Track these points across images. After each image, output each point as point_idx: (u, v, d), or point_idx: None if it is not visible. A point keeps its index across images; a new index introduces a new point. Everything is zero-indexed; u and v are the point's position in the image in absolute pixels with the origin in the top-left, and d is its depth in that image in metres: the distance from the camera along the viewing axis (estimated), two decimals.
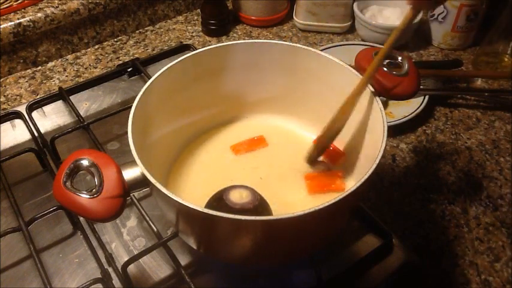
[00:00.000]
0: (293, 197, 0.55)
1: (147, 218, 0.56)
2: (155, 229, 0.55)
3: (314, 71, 0.56)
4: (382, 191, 0.67)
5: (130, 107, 0.48)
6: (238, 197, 0.46)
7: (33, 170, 0.66)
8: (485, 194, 0.67)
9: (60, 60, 0.90)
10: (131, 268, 0.53)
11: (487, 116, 0.79)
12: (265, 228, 0.41)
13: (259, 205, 0.46)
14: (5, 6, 0.82)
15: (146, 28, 0.99)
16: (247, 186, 0.48)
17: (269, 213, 0.48)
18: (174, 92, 0.55)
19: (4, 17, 0.82)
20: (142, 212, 0.57)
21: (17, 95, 0.82)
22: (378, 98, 0.49)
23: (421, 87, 0.79)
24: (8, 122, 0.73)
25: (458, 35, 0.90)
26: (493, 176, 0.69)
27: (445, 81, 0.84)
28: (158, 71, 0.52)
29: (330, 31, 0.97)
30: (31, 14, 0.83)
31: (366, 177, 0.41)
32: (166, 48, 0.91)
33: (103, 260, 0.54)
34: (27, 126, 0.70)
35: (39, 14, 0.83)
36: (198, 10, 1.02)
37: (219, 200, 0.46)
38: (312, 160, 0.58)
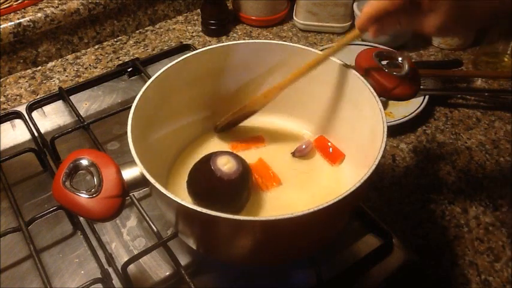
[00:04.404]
0: (292, 196, 0.55)
1: (147, 218, 0.56)
2: (155, 229, 0.55)
3: (314, 72, 0.56)
4: (382, 191, 0.67)
5: (130, 107, 0.48)
6: (224, 163, 0.48)
7: (33, 170, 0.66)
8: (485, 194, 0.67)
9: (60, 60, 0.90)
10: (131, 268, 0.53)
11: (487, 116, 0.79)
12: (265, 228, 0.41)
13: (241, 176, 0.49)
14: (5, 6, 0.82)
15: (146, 28, 0.99)
16: (234, 154, 0.50)
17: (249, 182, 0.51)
18: (174, 92, 0.55)
19: (4, 17, 0.82)
20: (142, 212, 0.57)
21: (17, 95, 0.82)
22: (377, 98, 0.49)
23: (421, 87, 0.79)
24: (8, 122, 0.73)
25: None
26: (493, 176, 0.69)
27: (445, 81, 0.84)
28: (158, 71, 0.52)
29: (330, 31, 0.97)
30: (31, 14, 0.83)
31: (366, 177, 0.41)
32: (166, 48, 0.91)
33: (103, 260, 0.54)
34: (27, 126, 0.70)
35: (39, 14, 0.83)
36: (198, 10, 1.02)
37: (205, 163, 0.49)
38: (218, 128, 0.61)
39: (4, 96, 0.82)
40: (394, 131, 0.75)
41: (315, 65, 0.53)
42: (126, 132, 0.45)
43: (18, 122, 0.73)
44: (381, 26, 0.50)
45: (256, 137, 0.61)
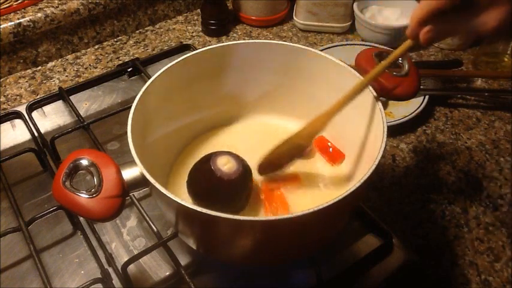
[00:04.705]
0: (292, 196, 0.55)
1: (147, 218, 0.56)
2: (155, 229, 0.55)
3: (314, 71, 0.56)
4: (382, 191, 0.67)
5: (130, 107, 0.48)
6: (224, 163, 0.48)
7: (33, 170, 0.66)
8: (485, 194, 0.67)
9: (60, 60, 0.90)
10: (131, 268, 0.53)
11: (487, 116, 0.79)
12: (265, 228, 0.41)
13: (241, 176, 0.48)
14: (5, 6, 0.82)
15: (146, 28, 0.99)
16: (234, 154, 0.50)
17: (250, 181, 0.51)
18: (174, 92, 0.55)
19: (4, 17, 0.82)
20: (142, 212, 0.57)
21: (17, 95, 0.82)
22: (378, 99, 0.49)
23: (421, 87, 0.79)
24: (8, 122, 0.73)
25: (458, 35, 0.90)
26: (493, 176, 0.69)
27: (445, 81, 0.84)
28: (158, 71, 0.52)
29: (330, 31, 0.97)
30: (31, 14, 0.83)
31: (366, 177, 0.41)
32: (166, 48, 0.91)
33: (103, 260, 0.54)
34: (27, 126, 0.70)
35: (39, 14, 0.83)
36: (198, 10, 1.02)
37: (205, 163, 0.49)
38: (261, 170, 0.54)
39: (4, 96, 0.82)
40: (394, 131, 0.75)
41: (364, 86, 0.49)
42: (126, 132, 0.45)
43: (18, 122, 0.73)
44: (433, 29, 0.44)
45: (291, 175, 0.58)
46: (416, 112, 0.75)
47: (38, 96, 0.78)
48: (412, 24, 0.45)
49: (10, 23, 0.81)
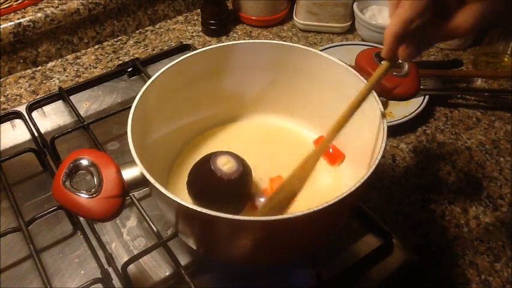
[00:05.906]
0: None
1: (147, 218, 0.56)
2: (155, 229, 0.55)
3: (314, 71, 0.56)
4: (382, 191, 0.67)
5: (130, 107, 0.48)
6: (224, 163, 0.48)
7: (33, 170, 0.66)
8: (485, 194, 0.67)
9: (60, 60, 0.90)
10: (131, 268, 0.53)
11: (487, 116, 0.79)
12: (265, 228, 0.41)
13: (241, 176, 0.48)
14: (5, 6, 0.82)
15: (146, 28, 0.99)
16: (234, 154, 0.49)
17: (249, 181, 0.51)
18: (174, 92, 0.55)
19: (4, 17, 0.82)
20: (142, 212, 0.57)
21: (17, 95, 0.82)
22: (378, 98, 0.49)
23: (421, 87, 0.79)
24: (8, 122, 0.73)
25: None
26: (493, 176, 0.69)
27: (445, 81, 0.84)
28: (158, 71, 0.52)
29: (330, 31, 0.97)
30: (31, 14, 0.83)
31: (366, 177, 0.41)
32: (166, 48, 0.91)
33: (103, 260, 0.54)
34: (27, 126, 0.70)
35: (39, 14, 0.83)
36: (198, 10, 1.02)
37: (205, 163, 0.49)
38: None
39: (4, 96, 0.82)
40: (394, 131, 0.75)
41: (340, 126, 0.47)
42: (126, 132, 0.45)
43: (18, 122, 0.73)
44: (412, 43, 0.41)
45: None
46: (416, 112, 0.75)
47: (38, 96, 0.78)
48: (388, 42, 0.41)
49: (10, 23, 0.81)
